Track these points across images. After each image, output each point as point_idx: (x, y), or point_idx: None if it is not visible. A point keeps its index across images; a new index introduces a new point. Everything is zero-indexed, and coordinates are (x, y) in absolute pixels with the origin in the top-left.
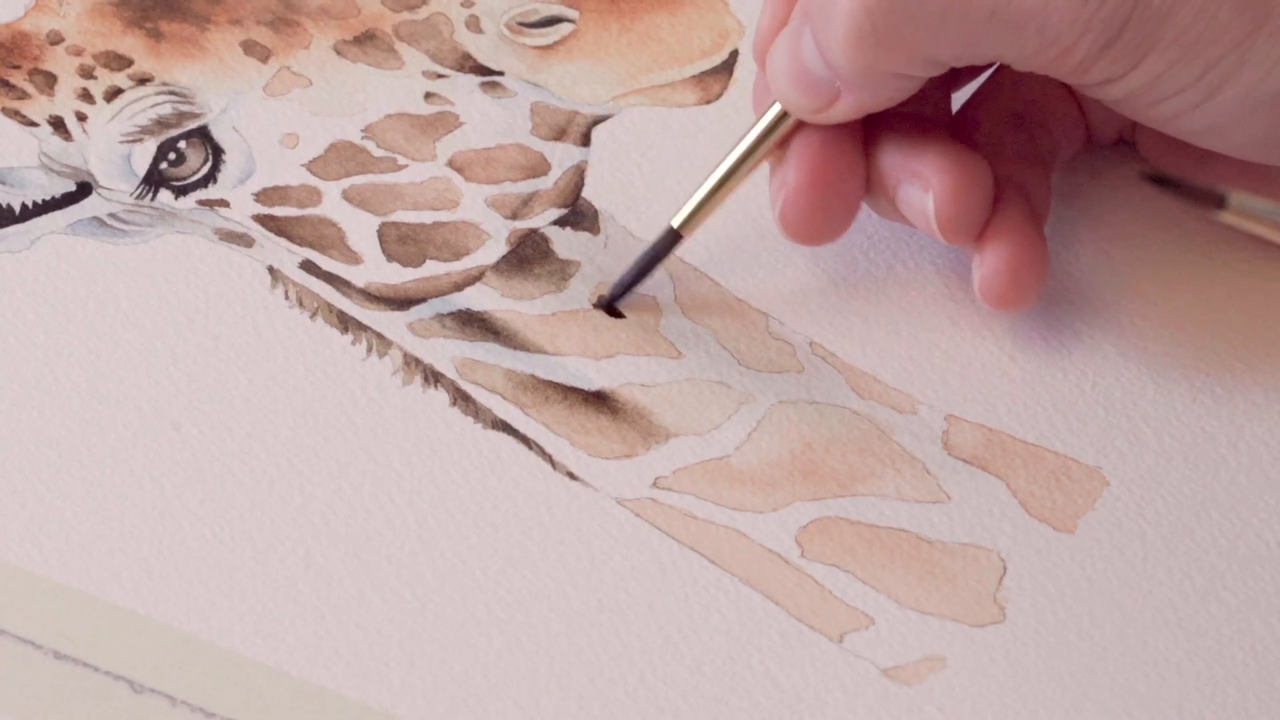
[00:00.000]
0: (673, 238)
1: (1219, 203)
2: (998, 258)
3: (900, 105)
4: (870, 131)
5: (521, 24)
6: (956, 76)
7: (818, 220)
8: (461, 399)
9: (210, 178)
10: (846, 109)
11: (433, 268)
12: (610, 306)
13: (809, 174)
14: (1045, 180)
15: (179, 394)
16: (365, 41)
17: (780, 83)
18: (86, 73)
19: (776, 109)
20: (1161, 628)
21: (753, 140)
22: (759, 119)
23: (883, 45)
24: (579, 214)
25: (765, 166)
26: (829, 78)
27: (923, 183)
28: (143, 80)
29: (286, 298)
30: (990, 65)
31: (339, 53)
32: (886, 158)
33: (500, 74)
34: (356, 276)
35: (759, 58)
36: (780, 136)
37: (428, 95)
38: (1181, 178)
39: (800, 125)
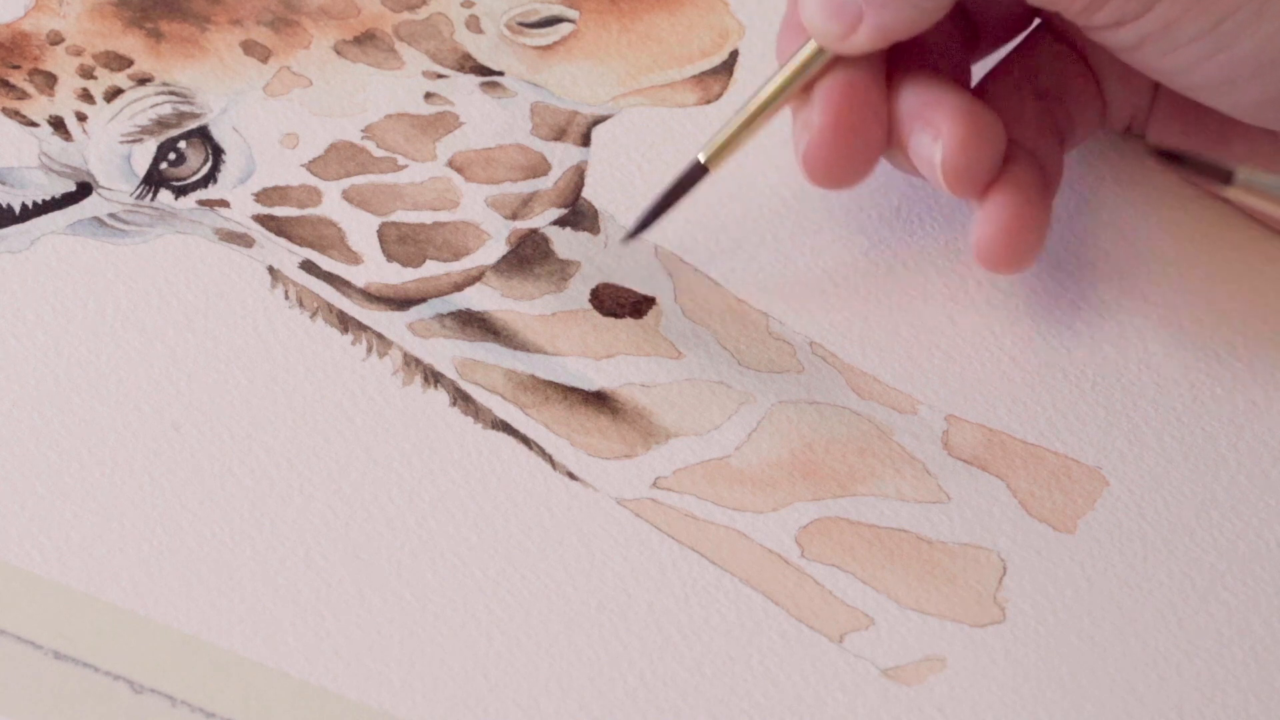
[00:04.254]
0: (699, 171)
1: (1226, 178)
2: (996, 219)
3: (920, 57)
4: (890, 81)
5: (521, 24)
6: (976, 44)
7: (840, 163)
8: (461, 399)
9: (210, 178)
10: (869, 33)
11: (433, 268)
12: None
13: (833, 116)
14: (1058, 152)
15: (179, 394)
16: (365, 41)
17: (809, 8)
18: (86, 73)
19: (808, 48)
20: (1161, 628)
21: (786, 75)
22: (790, 56)
23: None
24: (579, 214)
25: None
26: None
27: (934, 131)
28: (143, 80)
29: (286, 298)
30: (1011, 37)
31: (339, 53)
32: (903, 105)
33: (500, 74)
34: (356, 276)
35: None
36: (812, 74)
37: (428, 95)
38: (1189, 151)
39: (827, 67)
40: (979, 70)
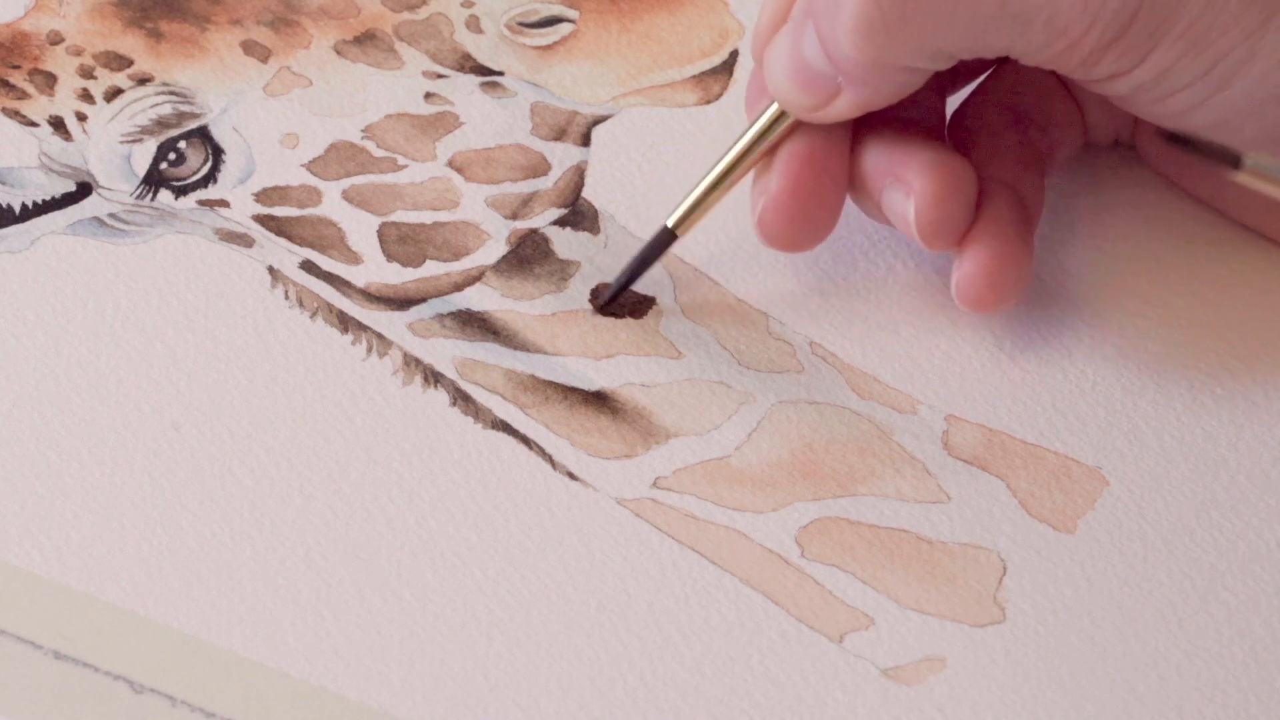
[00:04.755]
0: (667, 237)
1: (1235, 162)
2: (976, 261)
3: (891, 108)
4: (857, 133)
5: (521, 24)
6: (952, 79)
7: (796, 229)
8: (461, 399)
9: (210, 178)
10: (846, 105)
11: (433, 268)
12: (605, 308)
13: (791, 182)
14: (1039, 182)
15: (179, 394)
16: (365, 41)
17: (778, 79)
18: (86, 73)
19: (774, 109)
20: (1161, 628)
21: (749, 139)
22: (755, 119)
23: (892, 35)
24: (579, 214)
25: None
26: (830, 73)
27: (905, 187)
28: (143, 80)
29: (286, 298)
30: (987, 68)
31: (339, 53)
32: (872, 160)
33: (500, 74)
34: (356, 276)
35: (757, 56)
36: (777, 137)
37: (428, 95)
38: (1198, 136)
39: (794, 127)
40: (957, 94)
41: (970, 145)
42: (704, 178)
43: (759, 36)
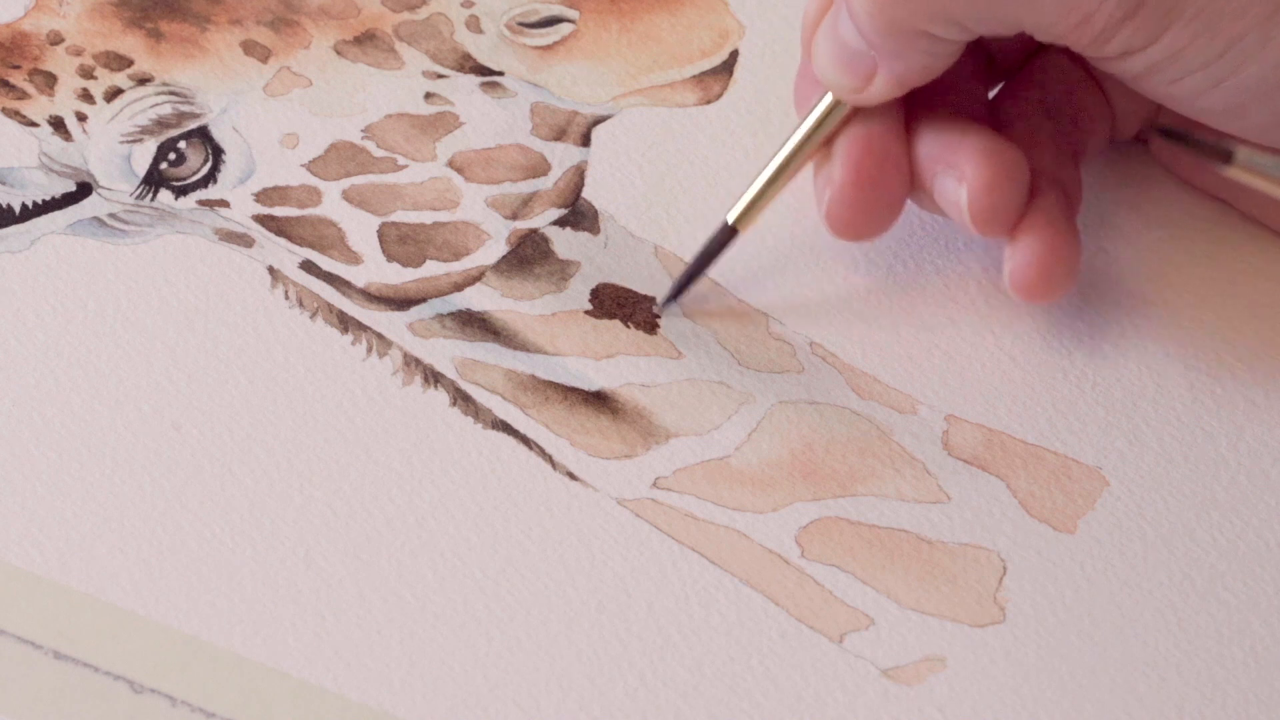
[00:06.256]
0: (729, 234)
1: (1227, 157)
2: (1030, 250)
3: (938, 97)
4: (909, 123)
5: (521, 24)
6: (993, 72)
7: (863, 216)
8: (461, 399)
9: (210, 178)
10: (884, 83)
11: (433, 268)
12: (663, 307)
13: (854, 170)
14: (1077, 173)
15: (179, 394)
16: (365, 41)
17: (824, 63)
18: (86, 73)
19: (826, 101)
20: (1161, 628)
21: (805, 131)
22: (808, 112)
23: None
24: (579, 214)
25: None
26: (866, 51)
27: (958, 174)
28: (143, 80)
29: (286, 298)
30: (1025, 60)
31: (339, 53)
32: (924, 149)
33: (500, 74)
34: (356, 276)
35: (805, 46)
36: (833, 128)
37: (428, 95)
38: (1191, 131)
39: (849, 117)
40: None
41: (1010, 137)
42: (762, 172)
43: (807, 26)
